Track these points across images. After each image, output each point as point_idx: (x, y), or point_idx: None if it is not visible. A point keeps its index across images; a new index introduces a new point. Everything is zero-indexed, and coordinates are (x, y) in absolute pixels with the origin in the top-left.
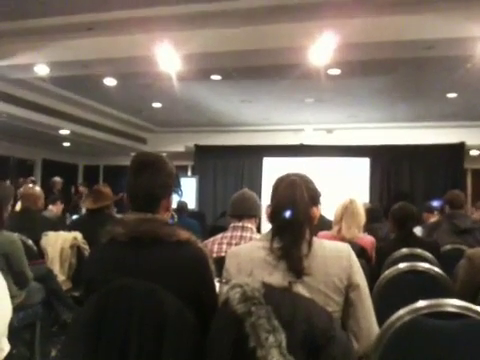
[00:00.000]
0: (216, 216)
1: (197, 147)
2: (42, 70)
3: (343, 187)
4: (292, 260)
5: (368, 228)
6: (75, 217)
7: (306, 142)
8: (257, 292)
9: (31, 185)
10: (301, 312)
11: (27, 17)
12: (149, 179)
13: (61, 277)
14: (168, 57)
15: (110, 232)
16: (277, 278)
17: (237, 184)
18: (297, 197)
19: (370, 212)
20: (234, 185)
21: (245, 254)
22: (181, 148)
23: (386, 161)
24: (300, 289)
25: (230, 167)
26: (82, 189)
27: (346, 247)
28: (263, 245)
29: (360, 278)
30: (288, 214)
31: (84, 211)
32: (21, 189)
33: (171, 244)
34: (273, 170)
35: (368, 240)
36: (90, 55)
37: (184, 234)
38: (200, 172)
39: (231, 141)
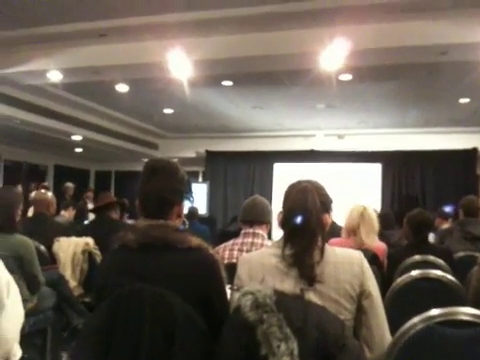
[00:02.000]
0: (227, 222)
1: (208, 153)
2: (55, 76)
3: (354, 193)
4: (304, 267)
5: (380, 234)
6: (85, 223)
7: (317, 148)
8: (269, 299)
9: (43, 191)
10: (313, 320)
11: (40, 24)
12: (161, 185)
13: (73, 283)
14: (179, 63)
15: (121, 238)
16: (289, 285)
17: (248, 190)
18: (309, 203)
19: (382, 218)
20: (245, 191)
21: (256, 261)
22: (192, 154)
23: (398, 167)
24: (312, 296)
25: (241, 173)
26: (89, 194)
27: (358, 254)
28: (275, 252)
29: (372, 286)
30: (299, 220)
31: (91, 217)
32: (33, 194)
33: (182, 250)
34: (284, 176)
35: (380, 246)
36: (102, 61)
37: (195, 240)
38: (211, 178)
39: (242, 147)
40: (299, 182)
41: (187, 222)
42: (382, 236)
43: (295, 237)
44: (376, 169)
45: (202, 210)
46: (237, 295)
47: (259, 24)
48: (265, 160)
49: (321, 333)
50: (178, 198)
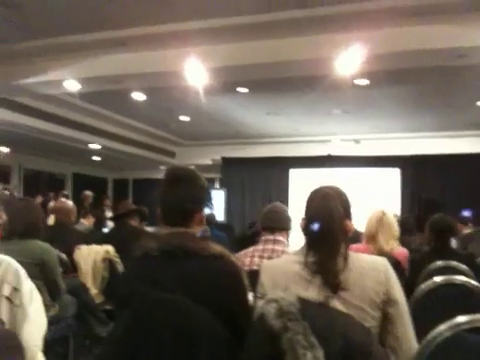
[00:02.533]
0: (244, 228)
1: (224, 160)
2: (72, 86)
3: (372, 198)
4: (328, 274)
5: (400, 240)
6: (105, 230)
7: (334, 153)
8: (293, 307)
9: (64, 199)
10: (338, 327)
11: (57, 34)
12: (182, 193)
13: (93, 290)
14: (195, 71)
15: (143, 246)
16: (312, 293)
17: (264, 196)
18: (332, 210)
19: (402, 224)
20: (261, 197)
21: (279, 268)
22: (208, 161)
23: (416, 171)
24: (336, 304)
25: (257, 179)
26: (107, 202)
27: (383, 261)
28: (298, 259)
29: (398, 293)
30: (316, 227)
31: (109, 223)
32: (51, 203)
33: (204, 258)
34: (300, 181)
35: (402, 252)
36: (119, 70)
37: (217, 248)
38: (227, 184)
39: (258, 153)
40: (321, 188)
41: (209, 229)
42: (402, 242)
43: (318, 244)
44: (394, 174)
45: (219, 217)
46: (261, 303)
47: (274, 30)
48: (281, 166)
49: (347, 341)
50: (199, 206)
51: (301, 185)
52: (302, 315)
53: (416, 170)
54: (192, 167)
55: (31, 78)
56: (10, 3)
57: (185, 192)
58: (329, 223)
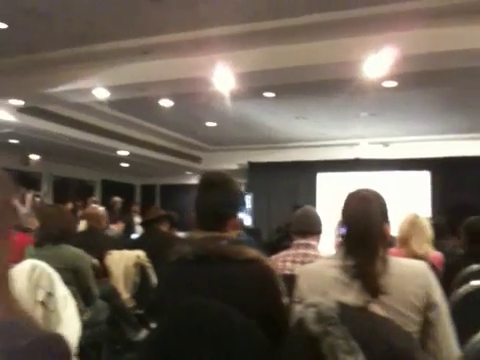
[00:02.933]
0: (270, 233)
1: (251, 164)
2: (101, 94)
3: (402, 201)
4: (367, 279)
5: (434, 244)
6: (134, 236)
7: (362, 156)
8: (333, 311)
9: (94, 205)
10: (380, 332)
11: (85, 43)
12: (217, 198)
13: (125, 295)
14: (222, 77)
15: (178, 251)
16: (351, 297)
17: (291, 200)
18: (370, 213)
19: (435, 227)
20: (288, 202)
21: (317, 273)
22: (234, 166)
23: (447, 174)
24: (376, 309)
25: (284, 184)
26: (135, 208)
27: (423, 265)
28: (335, 263)
29: (439, 296)
30: (360, 230)
31: (138, 228)
32: (79, 211)
33: (240, 262)
34: (328, 186)
35: (437, 256)
36: (147, 78)
37: (252, 252)
38: (254, 189)
39: (284, 157)
40: (358, 191)
41: (243, 234)
42: (436, 245)
43: (356, 248)
44: (424, 177)
45: (246, 221)
46: (299, 308)
47: (301, 34)
48: (308, 170)
49: (389, 346)
50: (234, 210)
51: (329, 189)
52: (342, 320)
53: (446, 173)
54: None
55: (61, 86)
56: (40, 14)
57: (220, 197)
58: (368, 226)
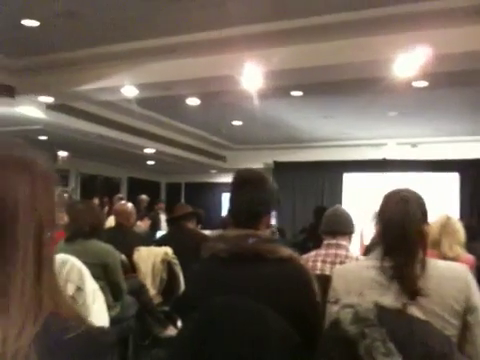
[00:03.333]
0: (295, 233)
1: (276, 164)
2: (130, 92)
3: (430, 203)
4: (406, 280)
5: (466, 246)
6: (160, 233)
7: (389, 157)
8: (370, 313)
9: (123, 202)
10: (418, 335)
11: (114, 41)
12: (251, 196)
13: (152, 291)
14: (250, 75)
15: (211, 248)
16: (389, 299)
17: (316, 200)
18: (410, 214)
19: (466, 230)
20: (313, 202)
21: (353, 273)
22: (259, 165)
23: (476, 176)
24: (414, 311)
25: (309, 183)
26: (161, 206)
27: (463, 267)
28: (373, 264)
29: (478, 300)
30: (399, 231)
31: (163, 225)
32: (106, 207)
33: (274, 261)
34: (354, 186)
35: (468, 259)
36: (174, 76)
37: (286, 251)
38: (279, 188)
39: (310, 157)
40: (397, 191)
41: (277, 233)
42: (468, 248)
43: (395, 249)
44: (453, 179)
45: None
46: (335, 308)
47: (331, 32)
48: (334, 170)
49: (427, 349)
50: (268, 208)
51: (355, 190)
52: (379, 322)
53: (475, 174)
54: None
55: (90, 84)
56: (71, 13)
57: (254, 194)
58: (407, 227)
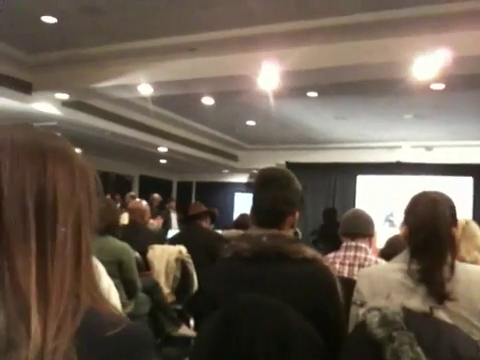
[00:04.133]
0: (306, 234)
1: (288, 164)
2: (146, 90)
3: None
4: (433, 284)
5: None
6: (172, 232)
7: (403, 160)
8: (398, 316)
9: (138, 200)
10: (446, 340)
11: (131, 39)
12: (274, 195)
13: (166, 290)
14: (267, 75)
15: (234, 247)
16: (416, 302)
17: (328, 202)
18: (439, 216)
19: None
20: (324, 204)
21: (379, 275)
22: (271, 165)
23: None
24: (441, 315)
25: (321, 185)
26: (172, 204)
27: None
28: (400, 267)
29: None
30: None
31: (174, 224)
32: (118, 205)
33: (297, 261)
34: (366, 189)
35: None
36: (191, 75)
37: (310, 251)
38: None
39: (323, 158)
40: (426, 193)
41: (300, 233)
42: None
43: (423, 252)
44: (467, 183)
45: None
46: (361, 310)
47: (349, 33)
48: (347, 172)
49: (454, 354)
50: (292, 208)
51: (369, 192)
52: (407, 325)
53: None
54: (254, 171)
55: (106, 82)
56: (88, 9)
57: (277, 194)
58: (438, 229)
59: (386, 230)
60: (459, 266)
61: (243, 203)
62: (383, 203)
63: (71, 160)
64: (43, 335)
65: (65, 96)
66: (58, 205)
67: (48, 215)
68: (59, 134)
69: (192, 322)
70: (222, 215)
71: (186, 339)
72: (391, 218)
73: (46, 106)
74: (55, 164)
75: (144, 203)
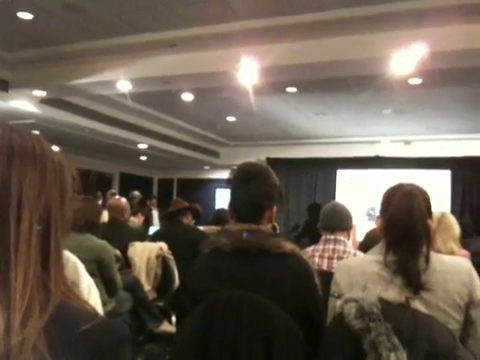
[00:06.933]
0: (287, 230)
1: (269, 160)
2: (124, 86)
3: None
4: (409, 275)
5: (461, 243)
6: (153, 229)
7: (382, 154)
8: (375, 307)
9: (117, 197)
10: (423, 330)
11: (110, 35)
12: (254, 190)
13: (147, 287)
14: (246, 71)
15: (213, 242)
16: (393, 293)
17: (310, 197)
18: (415, 208)
19: (462, 226)
20: (307, 198)
21: (356, 268)
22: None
23: (467, 174)
24: (418, 305)
25: (302, 180)
26: (153, 202)
27: (466, 262)
28: (376, 259)
29: None
30: (404, 226)
31: (156, 221)
32: (100, 201)
33: (277, 256)
34: (346, 183)
35: (464, 254)
36: (171, 71)
37: (289, 245)
38: None
39: (304, 154)
40: (401, 185)
41: (278, 228)
42: (462, 245)
43: (399, 243)
44: (445, 176)
45: None
46: (338, 302)
47: (327, 29)
48: (328, 167)
49: (432, 344)
50: (271, 202)
51: (349, 186)
52: (384, 316)
53: (467, 172)
54: (234, 168)
55: (84, 78)
56: (66, 5)
57: (258, 188)
58: (412, 221)
59: (367, 224)
60: (435, 257)
61: (225, 199)
62: (363, 197)
63: (42, 158)
64: (7, 326)
65: (43, 93)
66: (23, 202)
67: (12, 212)
68: (37, 132)
69: (174, 319)
70: (204, 211)
71: (168, 336)
72: (371, 212)
73: (24, 104)
74: (22, 162)
75: (124, 200)
